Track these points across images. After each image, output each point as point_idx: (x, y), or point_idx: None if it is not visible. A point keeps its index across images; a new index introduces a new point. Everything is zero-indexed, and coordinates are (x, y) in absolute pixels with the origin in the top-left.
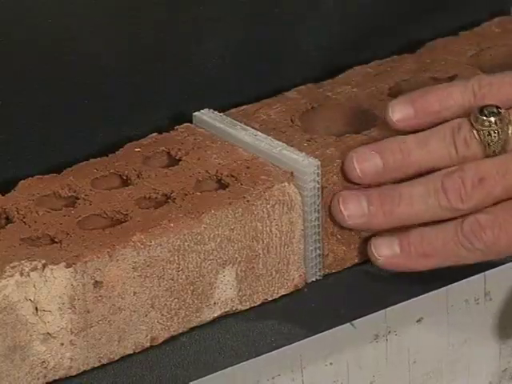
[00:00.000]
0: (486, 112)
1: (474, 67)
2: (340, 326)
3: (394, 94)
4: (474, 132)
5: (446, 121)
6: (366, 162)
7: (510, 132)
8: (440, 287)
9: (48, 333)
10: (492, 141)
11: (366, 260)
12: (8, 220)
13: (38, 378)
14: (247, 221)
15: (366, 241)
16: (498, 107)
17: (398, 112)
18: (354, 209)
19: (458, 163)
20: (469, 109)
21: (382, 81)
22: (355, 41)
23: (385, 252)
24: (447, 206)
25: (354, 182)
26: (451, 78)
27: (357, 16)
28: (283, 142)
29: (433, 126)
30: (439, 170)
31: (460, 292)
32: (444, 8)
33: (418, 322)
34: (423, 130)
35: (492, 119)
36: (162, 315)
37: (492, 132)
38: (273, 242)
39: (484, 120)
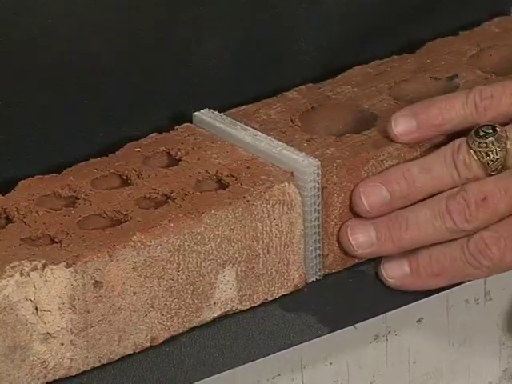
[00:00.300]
0: (481, 133)
1: (473, 67)
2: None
3: (394, 94)
4: (473, 153)
5: (448, 134)
6: (374, 195)
7: (509, 147)
8: (439, 291)
9: (48, 333)
10: (491, 160)
11: (365, 260)
12: (8, 220)
13: (38, 378)
14: (247, 221)
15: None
16: (493, 126)
17: (401, 125)
18: (362, 238)
19: (461, 185)
20: (471, 121)
21: (382, 81)
22: (355, 41)
23: (395, 273)
24: (453, 227)
25: (363, 217)
26: (451, 78)
27: (357, 16)
28: (283, 142)
29: (434, 139)
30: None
31: (460, 292)
32: (444, 8)
33: (418, 322)
34: (424, 142)
35: (488, 140)
36: (162, 315)
37: (490, 152)
38: (273, 242)
39: (480, 142)
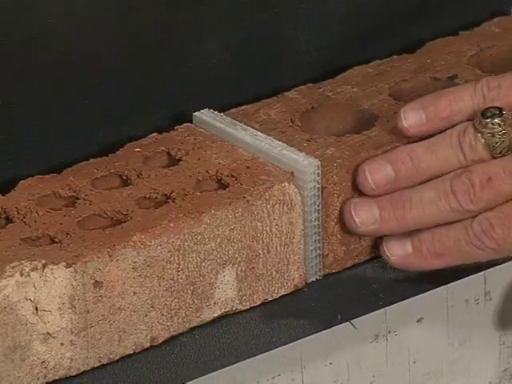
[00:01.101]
0: (488, 114)
1: (474, 67)
2: (340, 326)
3: (394, 93)
4: (479, 135)
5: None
6: (379, 173)
7: None
8: (439, 286)
9: (48, 333)
10: (497, 142)
11: (366, 260)
12: (8, 220)
13: (38, 378)
14: (247, 221)
15: (365, 241)
16: (500, 108)
17: (411, 118)
18: (365, 215)
19: (467, 167)
20: (478, 111)
21: (382, 81)
22: (355, 41)
23: (397, 251)
24: (458, 207)
25: (368, 194)
26: (451, 78)
27: (357, 16)
28: (283, 142)
29: (443, 131)
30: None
31: (460, 292)
32: (444, 8)
33: (418, 321)
34: (434, 135)
35: (495, 121)
36: (162, 315)
37: (496, 134)
38: (273, 242)
39: (487, 122)
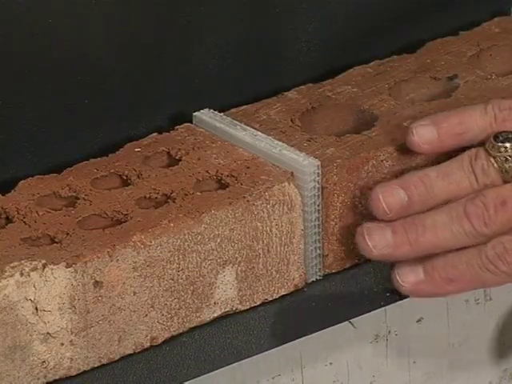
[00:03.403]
0: (501, 138)
1: (473, 67)
2: (340, 326)
3: (394, 94)
4: (491, 159)
5: (468, 144)
6: (392, 196)
7: None
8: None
9: (48, 333)
10: (510, 166)
11: (366, 260)
12: (8, 220)
13: (38, 378)
14: (247, 221)
15: None
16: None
17: (423, 134)
18: (378, 239)
19: (479, 191)
20: (490, 132)
21: (382, 81)
22: (355, 41)
23: (409, 278)
24: (471, 231)
25: (380, 219)
26: (451, 78)
27: (357, 16)
28: (283, 142)
29: (454, 150)
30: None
31: None
32: (444, 8)
33: (418, 321)
34: (445, 153)
35: (507, 145)
36: (162, 315)
37: (509, 157)
38: (273, 242)
39: (500, 146)
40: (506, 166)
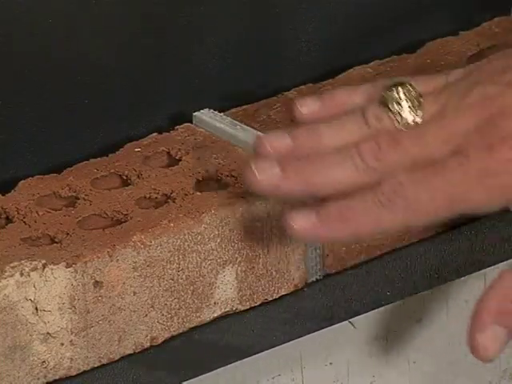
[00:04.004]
0: (392, 85)
1: None
2: (340, 326)
3: None
4: (383, 105)
5: None
6: (276, 140)
7: (421, 100)
8: (437, 285)
9: (48, 333)
10: (403, 111)
11: (366, 260)
12: (8, 220)
13: (38, 378)
14: (247, 221)
15: (365, 241)
16: (403, 81)
17: (306, 106)
18: (266, 168)
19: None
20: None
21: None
22: (355, 41)
23: (301, 221)
24: (363, 166)
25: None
26: None
27: (357, 16)
28: None
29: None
30: None
31: (460, 292)
32: (444, 8)
33: (417, 321)
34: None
35: (400, 91)
36: (162, 315)
37: (402, 102)
38: (273, 242)
39: (392, 91)
40: (399, 109)
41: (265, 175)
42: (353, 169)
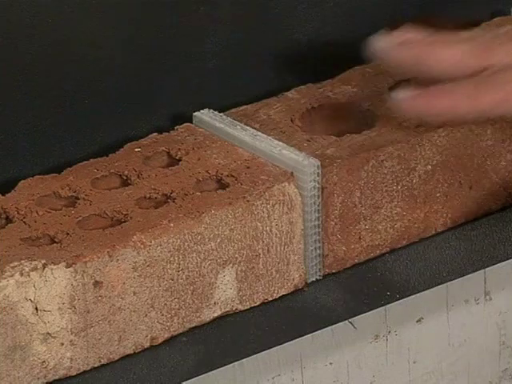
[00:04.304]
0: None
1: None
2: (340, 326)
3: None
4: None
5: None
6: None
7: None
8: (439, 285)
9: (48, 333)
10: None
11: (366, 260)
12: (8, 220)
13: (38, 378)
14: (247, 221)
15: (365, 241)
16: None
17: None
18: (385, 40)
19: None
20: None
21: (382, 81)
22: (355, 41)
23: (404, 94)
24: (470, 50)
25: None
26: None
27: (357, 16)
28: (283, 142)
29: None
30: None
31: (460, 292)
32: (444, 8)
33: (418, 321)
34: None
35: None
36: (162, 315)
37: None
38: (273, 242)
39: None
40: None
41: (384, 43)
42: (463, 50)
